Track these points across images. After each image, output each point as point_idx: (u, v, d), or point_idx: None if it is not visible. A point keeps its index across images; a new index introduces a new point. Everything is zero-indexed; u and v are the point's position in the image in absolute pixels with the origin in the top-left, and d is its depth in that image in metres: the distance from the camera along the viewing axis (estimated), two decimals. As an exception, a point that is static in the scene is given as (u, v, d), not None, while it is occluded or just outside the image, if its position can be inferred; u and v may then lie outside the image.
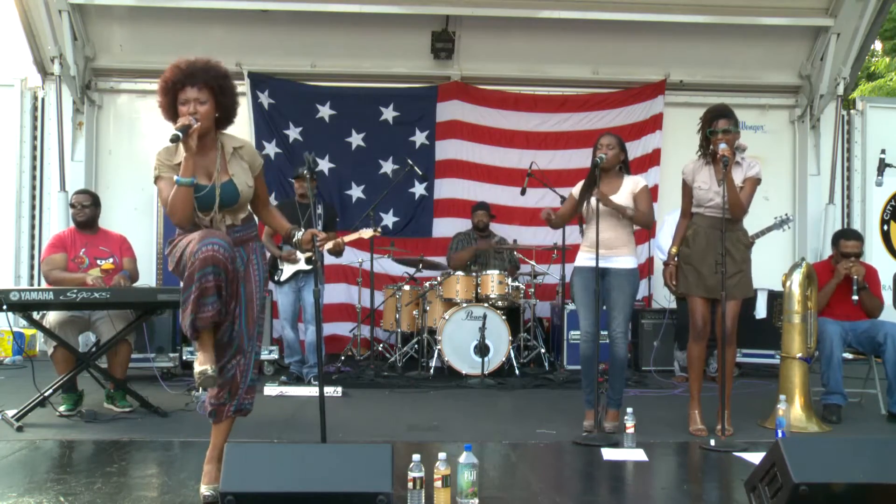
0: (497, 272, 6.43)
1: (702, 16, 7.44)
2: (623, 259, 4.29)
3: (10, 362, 6.90)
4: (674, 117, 7.78)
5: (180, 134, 2.80)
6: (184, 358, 6.17)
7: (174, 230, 3.05)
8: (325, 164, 7.73)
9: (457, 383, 5.96)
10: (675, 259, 4.42)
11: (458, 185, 7.91)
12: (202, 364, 2.86)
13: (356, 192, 7.81)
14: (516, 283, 6.57)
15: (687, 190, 4.44)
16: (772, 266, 5.99)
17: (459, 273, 6.50)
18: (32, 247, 7.71)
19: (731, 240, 4.19)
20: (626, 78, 8.06)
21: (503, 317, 6.18)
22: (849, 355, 5.04)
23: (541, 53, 7.88)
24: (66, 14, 7.11)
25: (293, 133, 7.76)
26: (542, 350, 6.63)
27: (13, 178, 7.68)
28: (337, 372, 6.40)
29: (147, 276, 6.74)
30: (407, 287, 6.75)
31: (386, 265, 7.20)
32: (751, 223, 4.54)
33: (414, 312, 6.66)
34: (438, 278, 6.63)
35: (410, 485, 2.79)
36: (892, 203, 8.04)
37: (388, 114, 7.86)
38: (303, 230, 3.24)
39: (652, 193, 4.66)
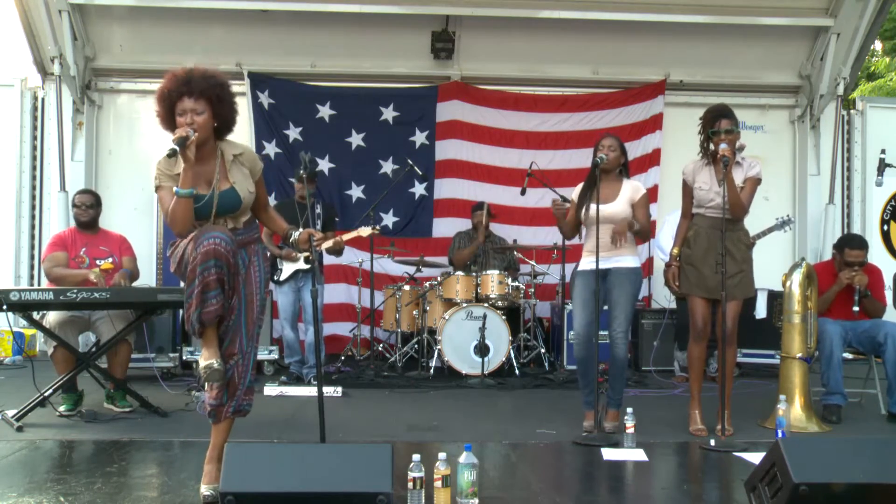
0: (497, 272, 6.43)
1: (702, 16, 7.44)
2: (625, 258, 4.29)
3: (10, 362, 6.90)
4: (674, 117, 7.78)
5: (177, 148, 2.79)
6: (184, 358, 6.17)
7: (174, 231, 3.05)
8: (325, 164, 7.73)
9: (457, 383, 5.95)
10: (677, 260, 4.42)
11: (458, 185, 7.91)
12: (207, 359, 2.89)
13: (356, 192, 7.81)
14: (516, 283, 6.57)
15: (687, 190, 4.44)
16: (772, 266, 5.98)
17: (459, 273, 6.50)
18: (32, 247, 7.70)
19: (731, 240, 4.19)
20: (626, 78, 8.06)
21: (503, 317, 6.18)
22: (849, 355, 5.03)
23: (541, 53, 7.88)
24: (66, 14, 7.09)
25: (293, 133, 7.76)
26: (542, 350, 6.63)
27: (13, 178, 7.67)
28: (337, 372, 6.39)
29: (147, 276, 6.74)
30: (407, 287, 6.75)
31: (386, 265, 7.19)
32: (751, 223, 4.53)
33: (414, 312, 6.66)
34: (438, 278, 6.63)
35: (410, 485, 2.79)
36: (892, 203, 8.03)
37: (388, 114, 7.85)
38: (300, 230, 3.24)
39: (652, 193, 4.68)
